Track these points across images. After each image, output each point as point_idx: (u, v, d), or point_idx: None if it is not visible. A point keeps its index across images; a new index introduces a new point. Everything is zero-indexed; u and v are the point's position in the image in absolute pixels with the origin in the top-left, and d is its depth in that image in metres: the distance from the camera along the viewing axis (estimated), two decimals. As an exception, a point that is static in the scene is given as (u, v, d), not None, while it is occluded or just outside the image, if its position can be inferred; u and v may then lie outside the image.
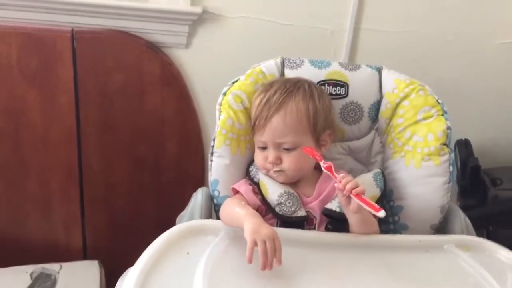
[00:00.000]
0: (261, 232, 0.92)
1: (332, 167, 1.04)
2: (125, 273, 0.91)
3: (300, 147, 1.10)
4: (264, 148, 1.12)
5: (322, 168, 1.05)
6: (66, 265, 1.76)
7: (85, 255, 1.86)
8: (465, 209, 1.63)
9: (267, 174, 1.13)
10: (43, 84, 1.64)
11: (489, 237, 1.26)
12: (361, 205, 0.98)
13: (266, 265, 0.90)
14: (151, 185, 1.81)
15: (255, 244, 0.91)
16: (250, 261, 0.91)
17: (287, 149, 1.10)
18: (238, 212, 1.01)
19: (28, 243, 1.83)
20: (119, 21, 1.63)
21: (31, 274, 1.75)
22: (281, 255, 0.92)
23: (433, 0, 1.65)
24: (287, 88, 1.11)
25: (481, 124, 1.80)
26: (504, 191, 1.66)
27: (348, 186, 0.97)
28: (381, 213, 0.94)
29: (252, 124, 1.14)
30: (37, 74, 1.63)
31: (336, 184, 1.00)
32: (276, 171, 1.11)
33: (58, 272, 1.76)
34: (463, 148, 1.71)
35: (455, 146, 1.73)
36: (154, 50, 1.67)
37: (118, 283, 0.89)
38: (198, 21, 1.65)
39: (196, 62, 1.71)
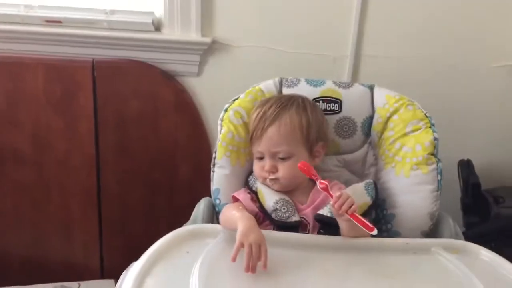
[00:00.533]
0: (249, 236, 1.00)
1: (328, 186, 1.10)
2: (129, 266, 0.99)
3: (294, 156, 1.18)
4: (261, 158, 1.21)
5: (318, 187, 1.11)
6: (84, 283, 1.85)
7: (102, 274, 1.94)
8: (468, 226, 1.68)
9: (264, 182, 1.21)
10: (66, 111, 1.78)
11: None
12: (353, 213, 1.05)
13: (249, 268, 0.97)
14: (165, 208, 1.90)
15: (242, 246, 0.98)
16: (233, 259, 0.98)
17: (282, 159, 1.19)
18: (234, 214, 1.09)
19: (49, 262, 1.93)
20: (136, 52, 1.76)
21: (50, 291, 1.83)
22: (267, 260, 0.98)
23: (431, 26, 1.73)
24: (282, 103, 1.21)
25: (483, 145, 1.84)
26: (506, 209, 1.69)
27: (344, 208, 1.05)
28: (374, 232, 1.01)
29: (250, 137, 1.23)
30: (61, 102, 1.76)
31: (331, 202, 1.07)
32: (272, 179, 1.19)
33: (77, 290, 1.85)
34: (465, 168, 1.75)
35: (458, 166, 1.78)
36: (168, 78, 1.79)
37: (122, 275, 0.97)
38: (208, 50, 1.77)
39: (207, 89, 1.82)
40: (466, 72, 1.76)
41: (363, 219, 1.04)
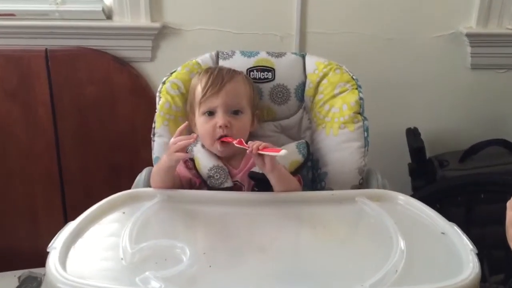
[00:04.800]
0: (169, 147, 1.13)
1: (243, 141, 1.16)
2: (65, 226, 1.04)
3: (245, 113, 1.25)
4: (211, 115, 1.22)
5: (235, 144, 1.16)
6: (51, 268, 1.89)
7: (68, 259, 1.99)
8: (415, 189, 1.75)
9: (211, 146, 1.23)
10: (23, 100, 1.84)
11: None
12: (274, 163, 1.12)
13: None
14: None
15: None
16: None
17: (236, 114, 1.23)
18: (159, 162, 1.20)
19: (16, 250, 1.98)
20: (88, 40, 1.82)
21: (19, 278, 1.89)
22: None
23: (371, 2, 1.80)
24: (230, 69, 1.30)
25: (429, 114, 1.92)
26: (450, 171, 1.76)
27: (254, 146, 1.11)
28: (282, 153, 1.07)
29: (202, 95, 1.23)
30: (17, 91, 1.82)
31: (247, 151, 1.13)
32: (222, 143, 1.21)
33: (44, 275, 1.89)
34: (411, 135, 1.83)
35: (406, 134, 1.86)
36: (122, 64, 1.85)
37: (57, 234, 1.02)
38: (159, 35, 1.84)
39: (161, 73, 1.84)
40: (406, 44, 1.84)
41: (271, 148, 1.10)
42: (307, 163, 1.27)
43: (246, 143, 1.15)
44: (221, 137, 1.21)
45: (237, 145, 1.15)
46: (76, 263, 0.92)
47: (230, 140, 1.18)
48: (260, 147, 1.10)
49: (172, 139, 1.14)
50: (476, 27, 1.79)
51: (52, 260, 0.90)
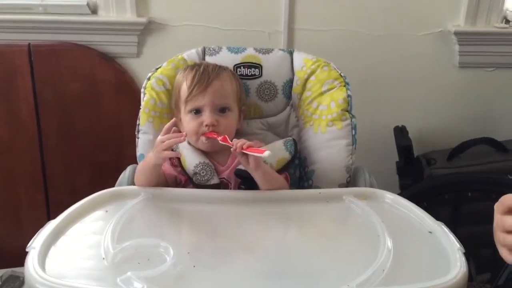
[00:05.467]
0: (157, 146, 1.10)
1: (227, 138, 1.14)
2: (45, 225, 1.02)
3: (233, 111, 1.23)
4: (197, 113, 1.20)
5: (219, 141, 1.15)
6: (33, 267, 1.86)
7: (52, 258, 1.95)
8: (403, 188, 1.74)
9: (196, 142, 1.21)
10: (5, 96, 1.80)
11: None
12: (259, 161, 1.10)
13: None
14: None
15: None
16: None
17: (223, 112, 1.21)
18: (145, 160, 1.18)
19: (-2, 249, 1.94)
20: (73, 35, 1.79)
21: (1, 277, 1.85)
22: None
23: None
24: (215, 65, 1.27)
25: (416, 112, 1.91)
26: (437, 169, 1.76)
27: (238, 145, 1.09)
28: (266, 153, 1.05)
29: (187, 94, 1.21)
30: (-1, 87, 1.78)
31: (232, 149, 1.11)
32: (208, 138, 1.19)
33: (26, 274, 1.86)
34: (399, 133, 1.82)
35: (393, 132, 1.85)
36: (107, 60, 1.82)
37: (37, 233, 0.99)
38: (145, 31, 1.81)
39: (147, 69, 1.81)
40: (395, 42, 1.83)
41: (255, 149, 1.08)
42: (294, 160, 1.25)
43: (232, 140, 1.13)
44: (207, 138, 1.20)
45: (221, 142, 1.13)
46: (56, 263, 0.89)
47: (215, 136, 1.16)
48: (244, 146, 1.07)
49: (160, 137, 1.12)
50: (464, 25, 1.79)
51: (31, 260, 0.87)
